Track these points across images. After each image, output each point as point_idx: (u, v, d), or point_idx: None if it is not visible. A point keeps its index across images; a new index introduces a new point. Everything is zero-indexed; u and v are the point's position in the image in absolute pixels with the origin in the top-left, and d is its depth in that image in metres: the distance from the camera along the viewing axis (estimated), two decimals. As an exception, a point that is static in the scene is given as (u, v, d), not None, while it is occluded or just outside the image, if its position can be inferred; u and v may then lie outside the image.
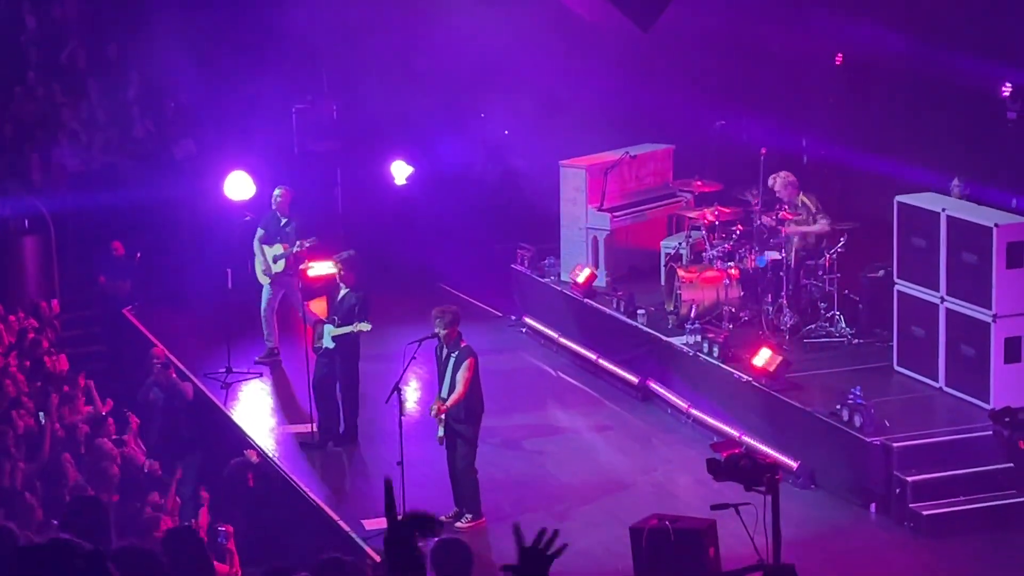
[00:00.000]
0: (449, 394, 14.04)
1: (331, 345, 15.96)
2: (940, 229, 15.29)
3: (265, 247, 18.36)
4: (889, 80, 18.38)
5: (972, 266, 15.02)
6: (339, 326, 15.87)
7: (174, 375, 17.25)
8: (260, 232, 18.38)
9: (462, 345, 14.14)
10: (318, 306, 17.59)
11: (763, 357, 15.79)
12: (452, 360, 14.06)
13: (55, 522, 11.29)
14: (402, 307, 19.06)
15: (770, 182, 17.29)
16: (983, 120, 17.31)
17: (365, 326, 15.72)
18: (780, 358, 15.72)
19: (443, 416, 14.07)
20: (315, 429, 16.18)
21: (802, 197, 17.23)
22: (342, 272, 15.97)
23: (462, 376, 13.98)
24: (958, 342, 15.24)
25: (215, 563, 11.11)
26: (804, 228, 17.02)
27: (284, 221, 18.31)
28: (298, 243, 18.05)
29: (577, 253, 19.19)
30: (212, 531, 12.69)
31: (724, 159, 19.73)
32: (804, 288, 17.10)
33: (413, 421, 16.11)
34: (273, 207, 18.38)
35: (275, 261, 18.30)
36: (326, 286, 16.52)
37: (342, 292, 16.01)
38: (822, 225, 17.00)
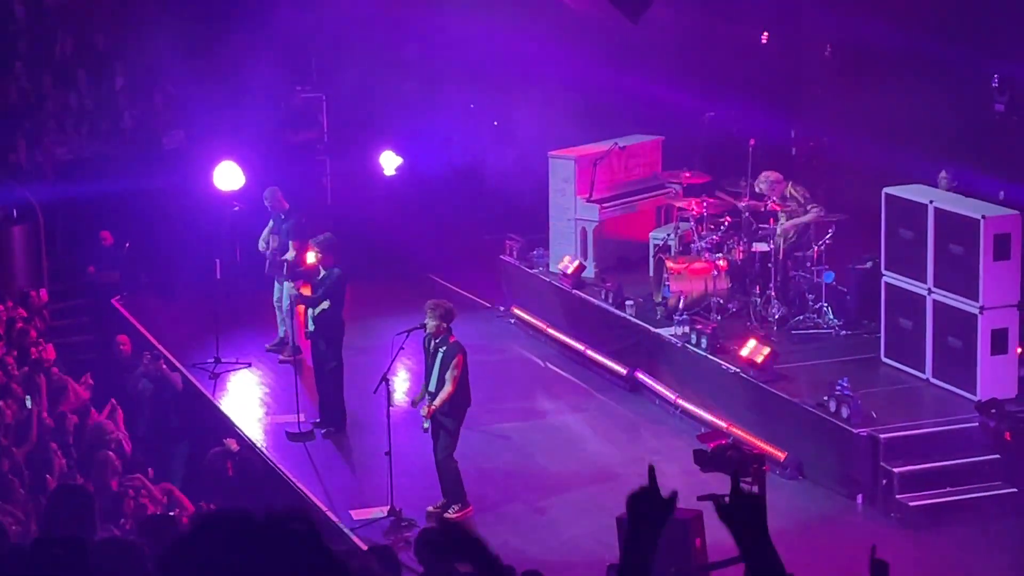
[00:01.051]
0: (436, 388, 14.03)
1: (312, 328, 16.07)
2: (928, 221, 15.31)
3: (272, 236, 18.33)
4: (878, 72, 18.40)
5: (959, 258, 15.05)
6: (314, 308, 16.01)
7: (164, 366, 17.23)
8: (271, 223, 18.35)
9: (451, 340, 14.11)
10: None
11: (751, 348, 15.82)
12: (440, 354, 14.04)
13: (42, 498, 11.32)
14: (391, 298, 19.08)
15: (756, 188, 17.28)
16: (971, 112, 17.33)
17: (324, 304, 15.77)
18: (768, 349, 15.74)
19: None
20: (302, 419, 16.19)
21: (790, 189, 17.25)
22: (319, 254, 16.04)
23: (451, 375, 13.94)
24: (945, 334, 15.28)
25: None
26: (798, 220, 17.03)
27: (282, 218, 18.25)
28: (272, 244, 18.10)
29: (566, 244, 19.20)
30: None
31: (713, 151, 19.74)
32: (792, 279, 17.13)
33: (401, 411, 16.11)
34: (268, 208, 18.32)
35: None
36: (307, 273, 16.54)
37: (321, 275, 16.09)
38: (815, 214, 17.03)
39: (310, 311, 16.10)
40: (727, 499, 3.99)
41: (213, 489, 14.64)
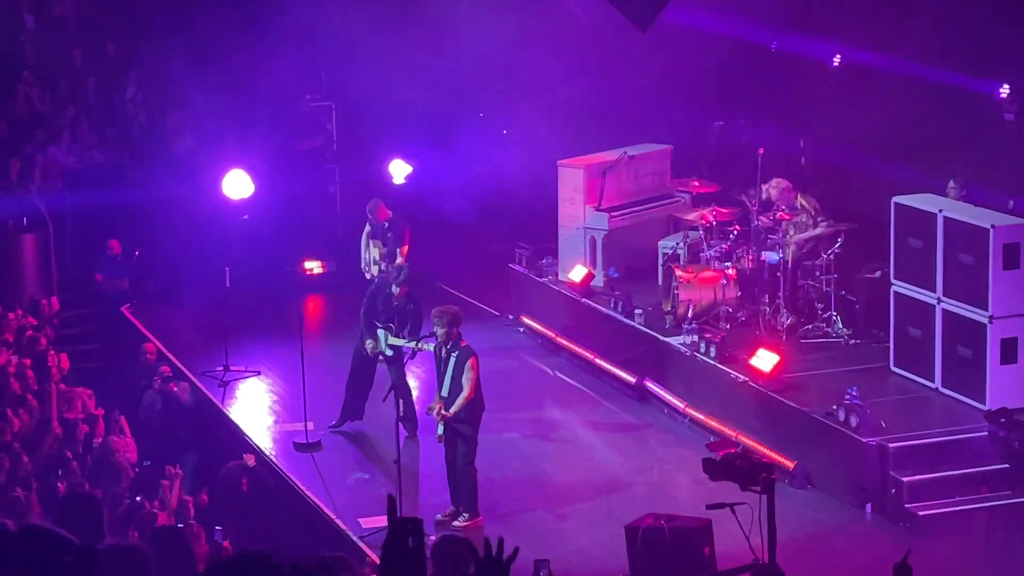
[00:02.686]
0: (450, 393, 14.01)
1: (389, 353, 15.77)
2: (937, 230, 15.31)
3: (371, 242, 18.03)
4: (887, 81, 18.38)
5: (969, 267, 15.05)
6: (396, 335, 15.69)
7: (175, 388, 17.13)
8: (368, 228, 18.10)
9: (462, 345, 14.11)
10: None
11: (760, 357, 15.82)
12: (453, 359, 14.03)
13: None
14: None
15: (764, 194, 17.28)
16: (980, 121, 17.31)
17: (429, 346, 14.76)
18: (777, 358, 15.73)
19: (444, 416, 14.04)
20: (310, 427, 16.17)
21: (801, 200, 17.23)
22: (399, 287, 15.70)
23: (467, 377, 13.94)
24: (954, 343, 15.27)
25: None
26: (807, 235, 17.02)
27: (385, 227, 17.91)
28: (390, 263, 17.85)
29: (575, 253, 19.21)
30: (209, 528, 12.73)
31: (722, 160, 19.74)
32: (801, 288, 17.12)
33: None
34: (371, 220, 17.95)
35: (373, 263, 17.91)
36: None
37: (396, 301, 15.72)
38: (823, 228, 17.02)
39: (385, 333, 15.72)
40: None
41: (227, 504, 14.61)
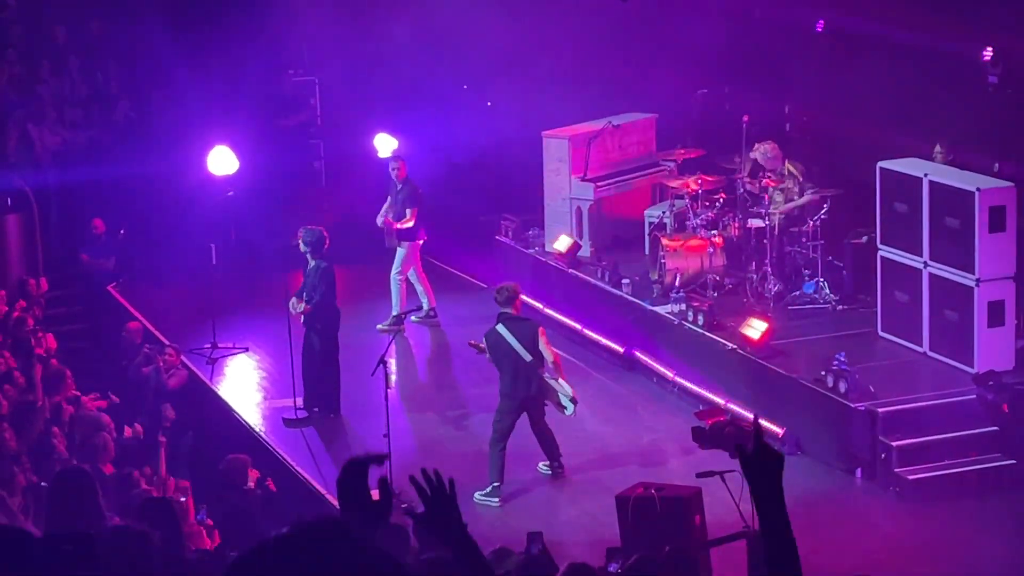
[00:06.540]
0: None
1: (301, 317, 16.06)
2: (923, 194, 15.31)
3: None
4: (870, 45, 18.35)
5: (955, 231, 15.05)
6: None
7: (164, 372, 17.01)
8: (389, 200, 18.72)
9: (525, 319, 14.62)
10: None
11: (748, 325, 15.82)
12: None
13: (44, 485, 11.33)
14: (386, 281, 19.02)
15: (752, 153, 17.27)
16: (964, 84, 17.28)
17: (293, 303, 15.87)
18: (765, 325, 15.74)
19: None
20: (299, 403, 16.15)
21: (788, 165, 17.21)
22: (304, 248, 15.98)
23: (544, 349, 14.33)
24: (942, 307, 15.28)
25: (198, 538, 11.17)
26: (792, 204, 17.01)
27: (399, 188, 18.55)
28: (381, 215, 18.56)
29: (561, 223, 19.19)
30: (196, 508, 12.70)
31: (706, 127, 19.71)
32: (788, 255, 17.13)
33: (398, 394, 16.12)
34: (393, 178, 18.63)
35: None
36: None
37: (310, 264, 16.03)
38: (809, 196, 17.00)
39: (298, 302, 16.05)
40: (750, 449, 4.09)
41: (220, 498, 14.47)
